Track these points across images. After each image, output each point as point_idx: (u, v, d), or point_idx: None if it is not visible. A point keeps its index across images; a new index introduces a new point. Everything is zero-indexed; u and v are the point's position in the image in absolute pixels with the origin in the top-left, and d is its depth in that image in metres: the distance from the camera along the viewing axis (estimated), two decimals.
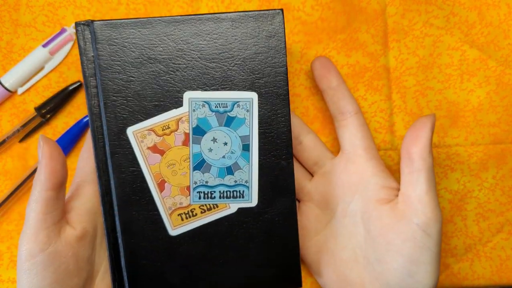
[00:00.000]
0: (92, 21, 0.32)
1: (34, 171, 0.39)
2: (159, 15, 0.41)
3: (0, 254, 0.40)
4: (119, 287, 0.34)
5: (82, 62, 0.33)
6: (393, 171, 0.41)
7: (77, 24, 0.33)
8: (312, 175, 0.39)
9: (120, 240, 0.33)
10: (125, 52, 0.32)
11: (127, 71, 0.32)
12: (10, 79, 0.39)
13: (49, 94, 0.40)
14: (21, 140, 0.40)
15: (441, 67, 0.42)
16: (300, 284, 0.35)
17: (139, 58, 0.32)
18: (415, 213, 0.32)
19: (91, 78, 0.33)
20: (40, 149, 0.31)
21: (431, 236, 0.32)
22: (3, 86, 0.39)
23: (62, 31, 0.40)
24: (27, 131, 0.40)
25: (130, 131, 0.32)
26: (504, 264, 0.42)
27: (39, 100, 0.40)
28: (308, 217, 0.38)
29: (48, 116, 0.39)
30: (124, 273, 0.33)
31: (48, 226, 0.30)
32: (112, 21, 0.32)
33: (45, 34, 0.40)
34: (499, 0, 0.42)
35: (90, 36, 0.33)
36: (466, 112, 0.42)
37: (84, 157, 0.35)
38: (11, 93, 0.40)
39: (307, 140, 0.38)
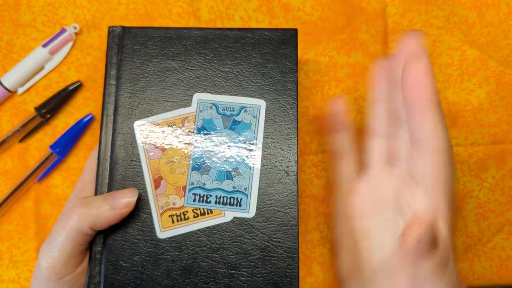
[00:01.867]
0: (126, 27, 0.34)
1: (34, 171, 0.39)
2: (159, 15, 0.41)
3: (0, 254, 0.40)
4: None
5: (110, 51, 0.34)
6: None
7: (110, 28, 0.34)
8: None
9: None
10: (147, 47, 0.34)
11: (145, 66, 0.33)
12: (10, 79, 0.39)
13: (49, 94, 0.40)
14: (21, 140, 0.40)
15: (441, 67, 0.42)
16: None
17: (157, 55, 0.33)
18: None
19: (114, 67, 0.34)
20: (126, 198, 0.30)
21: None
22: (3, 86, 0.39)
23: (62, 31, 0.40)
24: (27, 131, 0.40)
25: (137, 124, 0.33)
26: (504, 264, 0.42)
27: (39, 100, 0.40)
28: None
29: (48, 116, 0.39)
30: (101, 276, 0.31)
31: (78, 254, 0.31)
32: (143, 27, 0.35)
33: (45, 34, 0.40)
34: (499, 0, 0.42)
35: (121, 33, 0.34)
36: (466, 112, 0.42)
37: (95, 158, 0.34)
38: (11, 93, 0.40)
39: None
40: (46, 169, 0.39)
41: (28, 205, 0.40)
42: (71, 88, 0.40)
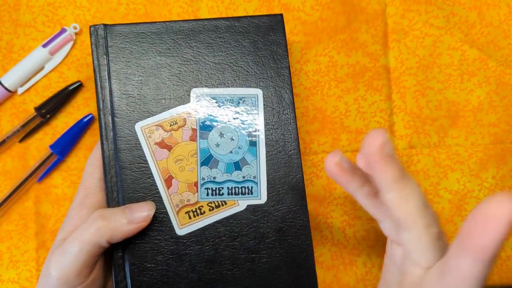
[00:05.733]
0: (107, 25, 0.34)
1: (34, 171, 0.39)
2: (159, 15, 0.41)
3: (0, 254, 0.40)
4: None
5: (95, 52, 0.33)
6: None
7: (91, 27, 0.34)
8: None
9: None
10: (136, 44, 0.33)
11: (135, 64, 0.33)
12: (10, 79, 0.39)
13: (49, 94, 0.40)
14: (21, 140, 0.40)
15: (441, 67, 0.42)
16: (316, 286, 0.33)
17: (148, 53, 0.33)
18: None
19: (103, 69, 0.33)
20: (144, 212, 0.31)
21: None
22: (3, 86, 0.39)
23: (62, 31, 0.40)
24: (27, 131, 0.40)
25: (138, 126, 0.33)
26: (504, 264, 0.42)
27: (39, 100, 0.40)
28: None
29: (48, 116, 0.39)
30: (128, 279, 0.32)
31: (91, 265, 0.31)
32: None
33: (45, 34, 0.40)
34: (499, 0, 0.42)
35: (105, 30, 0.33)
36: (466, 112, 0.42)
37: (94, 164, 0.34)
38: (11, 93, 0.40)
39: None
40: (46, 169, 0.39)
41: (28, 205, 0.40)
42: (71, 88, 0.40)
